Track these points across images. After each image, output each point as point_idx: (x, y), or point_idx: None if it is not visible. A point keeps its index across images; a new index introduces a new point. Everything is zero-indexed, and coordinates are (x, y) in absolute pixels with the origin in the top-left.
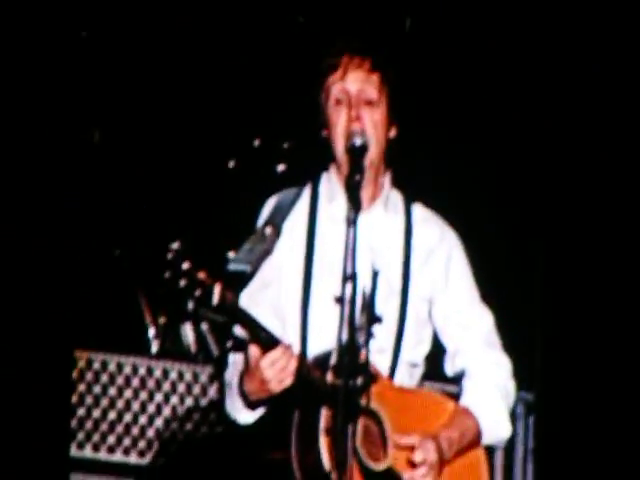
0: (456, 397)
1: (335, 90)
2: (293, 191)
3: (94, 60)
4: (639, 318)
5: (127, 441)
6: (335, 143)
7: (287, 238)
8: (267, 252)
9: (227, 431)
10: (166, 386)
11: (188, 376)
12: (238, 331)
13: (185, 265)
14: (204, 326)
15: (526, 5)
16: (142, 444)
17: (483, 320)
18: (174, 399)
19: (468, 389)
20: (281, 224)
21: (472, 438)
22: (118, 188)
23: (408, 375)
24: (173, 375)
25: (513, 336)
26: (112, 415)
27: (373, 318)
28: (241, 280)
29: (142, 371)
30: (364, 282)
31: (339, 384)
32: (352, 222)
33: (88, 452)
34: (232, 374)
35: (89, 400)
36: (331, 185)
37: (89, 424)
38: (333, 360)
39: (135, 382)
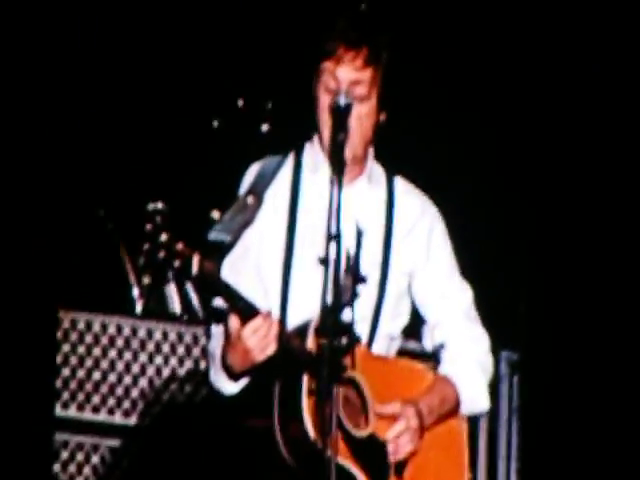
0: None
1: (326, 77)
2: (275, 159)
3: (76, 17)
4: (622, 279)
5: (111, 401)
6: (321, 130)
7: (269, 207)
8: (248, 221)
9: (210, 395)
10: (150, 346)
11: (172, 336)
12: (219, 302)
13: (163, 237)
14: (188, 286)
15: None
16: (126, 404)
17: (463, 294)
18: (158, 359)
19: (447, 360)
20: (263, 193)
21: (451, 406)
22: (101, 148)
23: (386, 347)
24: (157, 335)
25: (497, 295)
26: (96, 375)
27: (358, 278)
28: (221, 250)
29: (126, 331)
30: (348, 244)
31: (324, 344)
32: (336, 182)
33: (73, 412)
34: (215, 346)
35: (73, 360)
36: (315, 156)
37: (74, 384)
38: (315, 322)
39: (119, 342)
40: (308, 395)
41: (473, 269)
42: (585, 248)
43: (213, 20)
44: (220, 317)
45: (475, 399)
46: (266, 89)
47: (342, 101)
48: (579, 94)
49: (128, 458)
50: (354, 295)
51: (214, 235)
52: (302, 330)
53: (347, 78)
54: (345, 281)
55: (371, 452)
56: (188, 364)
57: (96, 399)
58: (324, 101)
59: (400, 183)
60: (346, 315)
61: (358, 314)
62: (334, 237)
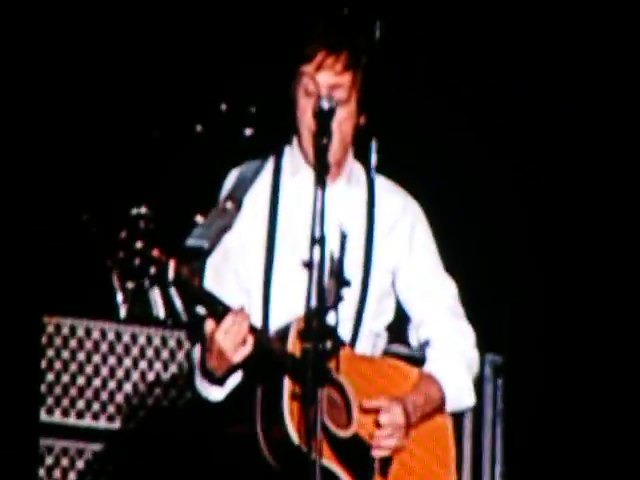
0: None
1: (306, 81)
2: (255, 164)
3: (65, 13)
4: (608, 281)
5: (96, 406)
6: (301, 133)
7: (249, 211)
8: (227, 227)
9: (194, 400)
10: (135, 351)
11: (157, 341)
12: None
13: (138, 244)
14: (172, 291)
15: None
16: (111, 409)
17: (447, 290)
18: (143, 364)
19: (432, 358)
20: (242, 198)
21: (436, 404)
22: (85, 152)
23: (371, 345)
24: (142, 340)
25: (482, 298)
26: (81, 380)
27: (342, 281)
28: (199, 256)
29: (111, 336)
30: (332, 247)
31: (308, 348)
32: (320, 186)
33: (57, 417)
34: (197, 353)
35: (58, 365)
36: (294, 159)
37: (58, 389)
38: (296, 325)
39: (104, 347)
40: (291, 399)
41: (457, 272)
42: (571, 251)
43: (196, 25)
44: (201, 323)
45: (460, 397)
46: (249, 93)
47: (325, 105)
48: (569, 92)
49: (113, 463)
50: (338, 298)
51: (192, 242)
52: (283, 333)
53: (327, 82)
54: (329, 284)
55: (355, 452)
56: (172, 369)
57: (80, 404)
58: (304, 104)
59: (381, 182)
60: (330, 318)
61: (341, 313)
62: (318, 240)
